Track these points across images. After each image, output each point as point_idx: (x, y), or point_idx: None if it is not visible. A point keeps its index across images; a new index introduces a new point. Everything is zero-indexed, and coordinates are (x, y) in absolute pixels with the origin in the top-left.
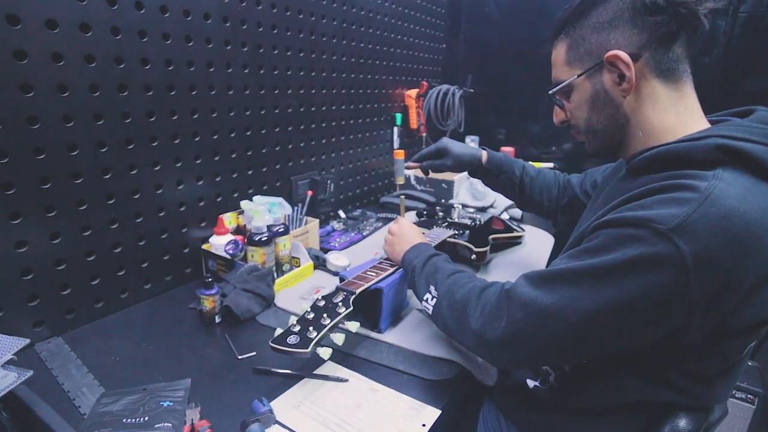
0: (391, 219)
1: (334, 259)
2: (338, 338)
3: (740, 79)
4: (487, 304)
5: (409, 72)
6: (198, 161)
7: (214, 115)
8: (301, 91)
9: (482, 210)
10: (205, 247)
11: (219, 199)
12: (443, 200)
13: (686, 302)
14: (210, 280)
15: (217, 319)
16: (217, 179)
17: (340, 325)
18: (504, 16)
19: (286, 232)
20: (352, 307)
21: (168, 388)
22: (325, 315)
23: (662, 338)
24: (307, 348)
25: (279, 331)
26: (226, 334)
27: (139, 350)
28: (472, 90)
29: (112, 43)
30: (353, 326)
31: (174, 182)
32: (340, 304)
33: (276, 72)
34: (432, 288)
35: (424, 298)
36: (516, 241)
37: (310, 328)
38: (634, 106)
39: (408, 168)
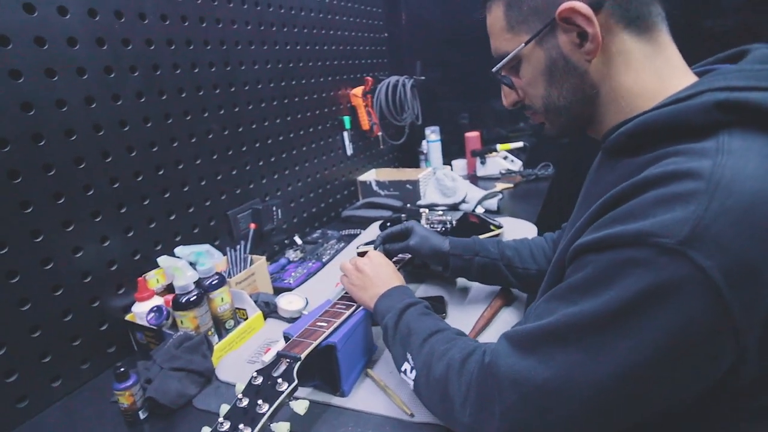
0: (355, 235)
1: (286, 303)
2: (299, 406)
3: (700, 19)
4: (472, 385)
5: (351, 69)
6: (98, 219)
7: (108, 160)
8: (221, 112)
9: (454, 208)
10: (128, 317)
11: (137, 258)
12: (408, 204)
13: (730, 331)
14: (122, 370)
15: (142, 415)
16: (129, 234)
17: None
18: None
19: (221, 283)
20: (296, 381)
21: None
22: (260, 401)
23: (714, 384)
24: None
25: (206, 430)
26: None
27: None
28: (423, 77)
29: None
30: (300, 407)
31: (69, 250)
32: (280, 380)
33: (184, 95)
34: (409, 357)
35: (402, 369)
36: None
37: (240, 426)
38: (602, 71)
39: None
